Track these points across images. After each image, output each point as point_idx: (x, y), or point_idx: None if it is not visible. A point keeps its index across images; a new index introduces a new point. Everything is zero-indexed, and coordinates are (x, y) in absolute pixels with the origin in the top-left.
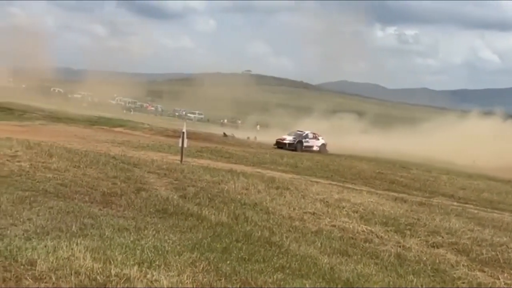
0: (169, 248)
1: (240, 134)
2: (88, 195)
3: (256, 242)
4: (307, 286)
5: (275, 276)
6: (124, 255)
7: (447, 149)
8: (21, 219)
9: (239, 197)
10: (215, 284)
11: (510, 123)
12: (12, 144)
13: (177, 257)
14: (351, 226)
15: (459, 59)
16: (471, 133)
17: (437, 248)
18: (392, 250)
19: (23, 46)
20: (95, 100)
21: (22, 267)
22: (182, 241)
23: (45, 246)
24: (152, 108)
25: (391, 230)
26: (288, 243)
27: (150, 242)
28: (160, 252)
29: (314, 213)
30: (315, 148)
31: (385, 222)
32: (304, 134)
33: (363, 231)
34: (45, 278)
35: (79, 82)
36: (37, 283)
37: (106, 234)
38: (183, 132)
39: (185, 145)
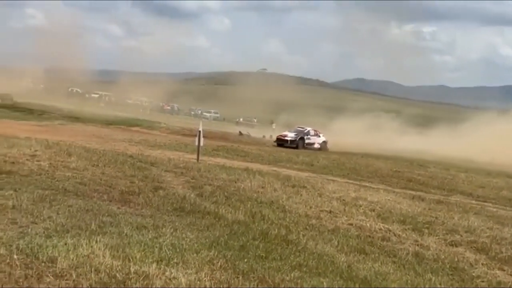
0: (187, 246)
1: (256, 133)
2: (107, 193)
3: (273, 240)
4: (325, 284)
5: (292, 274)
6: (142, 253)
7: (471, 148)
8: (42, 217)
9: (255, 195)
10: (232, 281)
11: None
12: (32, 144)
13: (194, 255)
14: (368, 225)
15: (477, 55)
16: (490, 130)
17: (456, 246)
18: (410, 249)
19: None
20: (112, 99)
21: (43, 264)
22: (199, 239)
23: (65, 244)
24: (168, 108)
25: (408, 229)
26: (305, 241)
27: (168, 240)
28: (178, 250)
29: (330, 212)
30: (316, 146)
31: (403, 221)
32: (305, 131)
33: (381, 229)
34: (66, 275)
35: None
36: (58, 280)
37: (125, 232)
38: (199, 131)
39: (201, 144)
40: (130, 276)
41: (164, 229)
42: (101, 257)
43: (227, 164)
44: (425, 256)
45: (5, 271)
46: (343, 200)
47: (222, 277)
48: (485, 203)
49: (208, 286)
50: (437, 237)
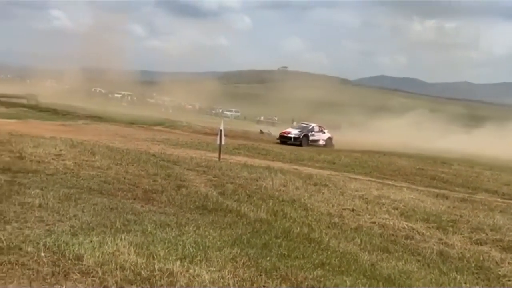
0: (210, 244)
1: (277, 131)
2: (130, 192)
3: (295, 239)
4: (348, 283)
5: (315, 273)
6: (166, 251)
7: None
8: (68, 216)
9: (277, 193)
10: (255, 279)
11: None
12: (57, 143)
13: (217, 252)
14: (391, 223)
15: (501, 51)
16: None
17: (481, 245)
18: (434, 247)
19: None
20: (134, 99)
21: (69, 261)
22: (222, 237)
23: (91, 242)
24: (190, 107)
25: (432, 227)
26: (327, 239)
27: (191, 238)
28: (201, 248)
29: (353, 210)
30: (321, 142)
31: (427, 219)
32: (310, 127)
33: (404, 227)
34: (92, 272)
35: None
36: (84, 277)
37: (149, 230)
38: (221, 130)
39: (222, 143)
40: (155, 274)
41: (187, 227)
42: (126, 254)
43: (249, 162)
44: (450, 255)
45: (32, 268)
46: (366, 198)
47: (245, 274)
48: (511, 201)
49: (231, 284)
50: (462, 236)
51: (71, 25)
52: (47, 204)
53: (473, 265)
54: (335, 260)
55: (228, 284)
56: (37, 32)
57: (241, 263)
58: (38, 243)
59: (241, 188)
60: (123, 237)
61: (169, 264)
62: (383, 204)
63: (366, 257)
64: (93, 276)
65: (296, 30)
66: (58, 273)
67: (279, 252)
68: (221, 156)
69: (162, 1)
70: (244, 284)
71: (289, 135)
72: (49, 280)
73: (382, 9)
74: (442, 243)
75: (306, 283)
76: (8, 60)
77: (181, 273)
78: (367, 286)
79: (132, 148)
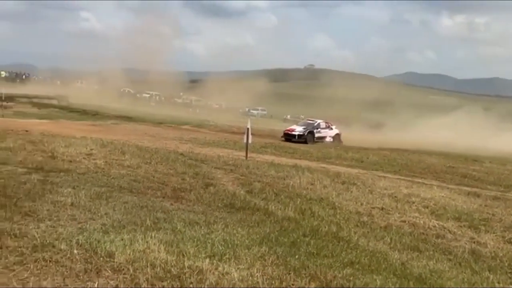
0: (238, 242)
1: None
2: (160, 190)
3: (323, 237)
4: (378, 282)
5: (344, 271)
6: (195, 248)
7: None
8: (99, 214)
9: (304, 192)
10: (284, 278)
11: None
12: (87, 143)
13: (246, 250)
14: (421, 222)
15: None
16: None
17: None
18: (466, 246)
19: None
20: (162, 99)
21: (101, 259)
22: (250, 235)
23: (122, 239)
24: (217, 106)
25: (464, 226)
26: (356, 238)
27: (220, 236)
28: (229, 246)
29: (382, 208)
30: (328, 139)
31: (458, 217)
32: (315, 124)
33: (435, 226)
34: (123, 269)
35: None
36: (116, 274)
37: (178, 228)
38: (248, 129)
39: (249, 141)
40: (184, 271)
41: (215, 225)
42: (156, 252)
43: (276, 161)
44: (482, 254)
45: (66, 265)
46: (395, 196)
47: (274, 273)
48: None
49: (260, 282)
50: (494, 234)
51: (100, 27)
52: (79, 202)
53: (506, 264)
54: (364, 259)
55: (257, 282)
56: (67, 33)
57: (270, 262)
58: (70, 241)
59: (269, 186)
60: (153, 235)
61: (198, 261)
62: (413, 203)
63: (396, 256)
64: (124, 273)
65: (323, 28)
66: (91, 270)
67: (307, 251)
68: (248, 155)
69: (189, 1)
70: (273, 282)
71: (293, 133)
72: (82, 277)
73: (410, 5)
74: (474, 242)
75: (336, 282)
76: (38, 62)
77: (210, 271)
78: (397, 285)
79: (160, 147)
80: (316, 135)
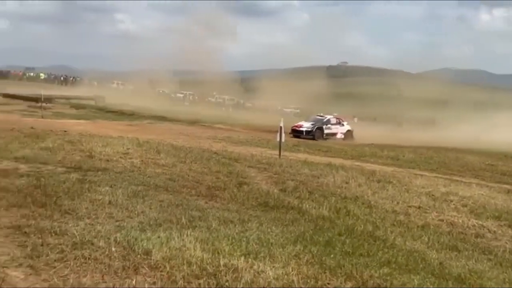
0: (273, 241)
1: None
2: (194, 188)
3: (359, 236)
4: (416, 281)
5: (381, 271)
6: (231, 246)
7: None
8: (136, 212)
9: (339, 190)
10: (319, 276)
11: None
12: (124, 142)
13: (281, 249)
14: (460, 221)
15: None
16: None
17: None
18: (507, 246)
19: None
20: (196, 98)
21: (139, 256)
22: (284, 234)
23: (159, 237)
24: (249, 105)
25: (504, 225)
26: (393, 237)
27: (254, 234)
28: (264, 244)
29: (419, 207)
30: (339, 136)
31: (498, 216)
32: (325, 120)
33: (474, 225)
34: (160, 267)
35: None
36: (153, 271)
37: (213, 226)
38: (281, 127)
39: (282, 140)
40: (220, 269)
41: (249, 223)
42: (192, 250)
43: (309, 159)
44: None
45: (104, 263)
46: (433, 195)
47: (309, 272)
48: None
49: (295, 281)
50: None
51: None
52: (116, 201)
53: None
54: (401, 259)
55: (292, 281)
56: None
57: (305, 260)
58: (109, 238)
59: (302, 185)
60: (189, 233)
61: (233, 260)
62: (451, 201)
63: (434, 255)
64: (161, 271)
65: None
66: (128, 268)
67: (343, 250)
68: (281, 153)
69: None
70: (308, 281)
71: (301, 129)
72: (120, 274)
73: None
74: None
75: (372, 282)
76: (76, 63)
77: (245, 269)
78: (436, 285)
79: (195, 146)
80: (326, 131)
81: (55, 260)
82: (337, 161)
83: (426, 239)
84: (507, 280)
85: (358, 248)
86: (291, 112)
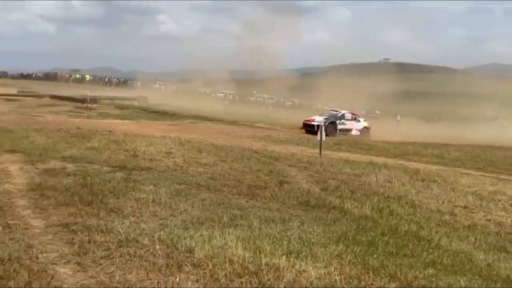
0: (315, 240)
1: (379, 126)
2: (236, 187)
3: (403, 236)
4: (462, 283)
5: (426, 272)
6: (272, 245)
7: None
8: (179, 210)
9: (381, 190)
10: (362, 277)
11: None
12: (166, 142)
13: (322, 249)
14: (508, 221)
15: None
16: None
17: None
18: None
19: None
20: (236, 97)
21: (182, 254)
22: (326, 233)
23: (201, 235)
24: (290, 103)
25: None
26: (438, 237)
27: (295, 234)
28: (306, 244)
29: (465, 207)
30: (354, 132)
31: None
32: (339, 115)
33: None
34: (203, 265)
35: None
36: (196, 269)
37: (254, 224)
38: (321, 125)
39: (323, 138)
40: (262, 268)
41: (291, 222)
42: (234, 248)
43: (351, 158)
44: None
45: (149, 260)
46: (479, 194)
47: (352, 272)
48: None
49: (338, 281)
50: None
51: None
52: (159, 199)
53: None
54: (447, 259)
55: (335, 280)
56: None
57: (347, 260)
58: (153, 236)
59: (344, 184)
60: (230, 232)
61: (275, 259)
62: (499, 201)
63: (481, 256)
64: (204, 269)
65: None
66: (172, 265)
67: (386, 250)
68: (322, 152)
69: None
70: (351, 281)
71: (312, 123)
72: (164, 272)
73: None
74: None
75: (417, 283)
76: (119, 65)
77: (287, 268)
78: (483, 286)
79: (235, 145)
80: (339, 126)
81: (101, 257)
82: (379, 159)
83: (473, 239)
84: None
85: (402, 249)
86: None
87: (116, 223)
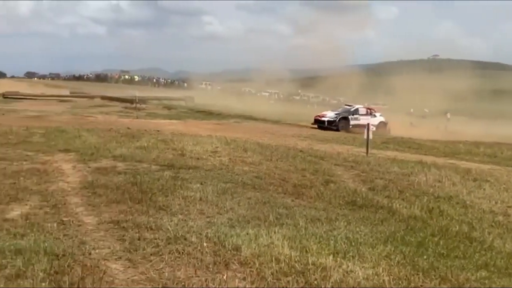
0: (362, 240)
1: (428, 124)
2: (281, 186)
3: (454, 237)
4: None
5: (478, 274)
6: (318, 245)
7: None
8: (225, 208)
9: (431, 189)
10: (412, 278)
11: None
12: (213, 141)
13: (370, 249)
14: None
15: None
16: None
17: None
18: None
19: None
20: (281, 96)
21: (229, 252)
22: (374, 234)
23: (247, 234)
24: (334, 101)
25: None
26: (490, 239)
27: (342, 233)
28: (353, 244)
29: None
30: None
31: None
32: (352, 109)
33: None
34: (250, 263)
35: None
36: (242, 267)
37: (300, 224)
38: (368, 124)
39: (370, 137)
40: (308, 267)
41: (337, 222)
42: (280, 247)
43: (399, 157)
44: None
45: (197, 257)
46: None
47: (401, 273)
48: None
49: (386, 282)
50: None
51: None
52: (206, 197)
53: None
54: (500, 261)
55: (383, 281)
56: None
57: (396, 261)
58: (200, 234)
59: (392, 183)
60: (276, 230)
61: (321, 258)
62: None
63: None
64: (250, 267)
65: (447, 16)
66: (219, 263)
67: (436, 251)
68: (369, 151)
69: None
70: (400, 282)
71: (323, 119)
72: (211, 269)
73: None
74: None
75: (469, 285)
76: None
77: (334, 268)
78: None
79: (280, 144)
80: (352, 122)
81: (151, 254)
82: (428, 158)
83: None
84: None
85: (453, 250)
86: (380, 108)
87: (164, 221)
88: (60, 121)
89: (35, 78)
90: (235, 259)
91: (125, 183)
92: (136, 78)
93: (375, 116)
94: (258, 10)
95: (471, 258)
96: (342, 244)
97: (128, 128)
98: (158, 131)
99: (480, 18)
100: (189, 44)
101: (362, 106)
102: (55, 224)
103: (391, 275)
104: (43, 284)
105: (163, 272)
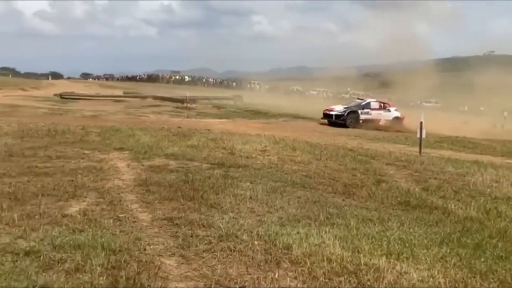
0: (416, 241)
1: (485, 122)
2: (331, 186)
3: None
4: None
5: None
6: (371, 245)
7: None
8: (275, 207)
9: (488, 190)
10: (469, 281)
11: None
12: (261, 140)
13: (425, 250)
14: None
15: None
16: None
17: None
18: None
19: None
20: (329, 95)
21: (280, 251)
22: (428, 235)
23: (298, 233)
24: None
25: None
26: None
27: (395, 234)
28: (406, 245)
29: None
30: (382, 123)
31: None
32: (363, 103)
33: None
34: (301, 262)
35: (314, 80)
36: (294, 266)
37: (351, 224)
38: (421, 122)
39: (423, 136)
40: (361, 268)
41: (390, 223)
42: (331, 247)
43: (453, 156)
44: None
45: (248, 255)
46: None
47: (457, 275)
48: None
49: (442, 284)
50: None
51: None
52: (256, 196)
53: None
54: None
55: (439, 283)
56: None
57: (452, 263)
58: (251, 232)
59: (447, 184)
60: (327, 230)
61: (374, 259)
62: None
63: None
64: (302, 266)
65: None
66: (271, 261)
67: (494, 254)
68: (422, 150)
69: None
70: (457, 285)
71: (331, 113)
72: (263, 267)
73: None
74: None
75: None
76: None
77: (387, 269)
78: None
79: (329, 143)
80: (362, 116)
81: (203, 251)
82: (485, 158)
83: None
84: None
85: None
86: (432, 107)
87: (216, 218)
88: (114, 120)
89: (90, 79)
90: (286, 258)
91: (177, 181)
92: (186, 78)
93: (389, 110)
94: (305, 9)
95: None
96: (396, 245)
97: (179, 127)
98: (208, 130)
99: None
100: (238, 44)
101: (375, 100)
102: (111, 220)
103: (447, 277)
104: (101, 278)
105: (216, 269)
